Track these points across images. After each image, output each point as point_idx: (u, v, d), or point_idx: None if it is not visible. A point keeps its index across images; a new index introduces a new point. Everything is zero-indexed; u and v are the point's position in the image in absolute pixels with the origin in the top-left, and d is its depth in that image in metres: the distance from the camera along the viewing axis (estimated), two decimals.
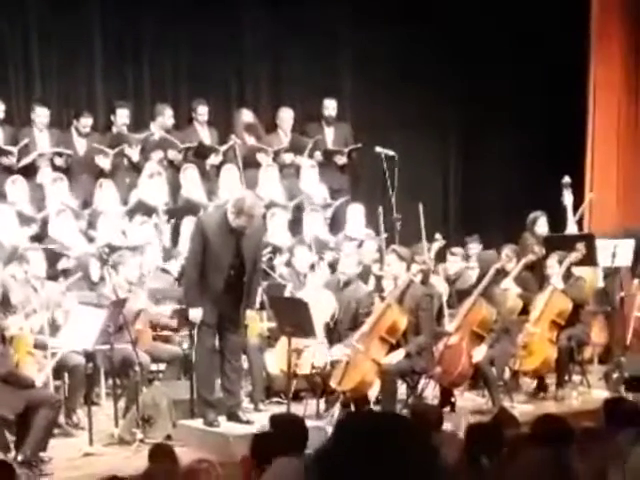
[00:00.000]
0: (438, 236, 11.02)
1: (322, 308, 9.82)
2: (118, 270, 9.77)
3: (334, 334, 9.89)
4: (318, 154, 13.01)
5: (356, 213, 12.34)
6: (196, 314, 8.28)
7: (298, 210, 12.25)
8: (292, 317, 8.77)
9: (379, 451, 2.04)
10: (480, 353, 9.52)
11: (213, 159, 12.41)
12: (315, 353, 9.47)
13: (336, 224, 12.44)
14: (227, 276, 8.25)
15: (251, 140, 12.78)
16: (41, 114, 11.75)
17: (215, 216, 8.59)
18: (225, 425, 8.24)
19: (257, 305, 9.17)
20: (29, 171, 11.57)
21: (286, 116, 13.12)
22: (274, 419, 6.07)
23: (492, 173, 14.33)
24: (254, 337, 9.69)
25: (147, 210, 11.54)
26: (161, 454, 5.99)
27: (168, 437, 8.33)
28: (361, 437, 2.08)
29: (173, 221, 11.66)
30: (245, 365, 9.44)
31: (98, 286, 10.07)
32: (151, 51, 12.90)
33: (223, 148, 12.44)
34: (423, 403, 8.79)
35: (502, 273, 10.41)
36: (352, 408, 9.08)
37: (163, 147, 12.26)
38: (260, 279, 9.11)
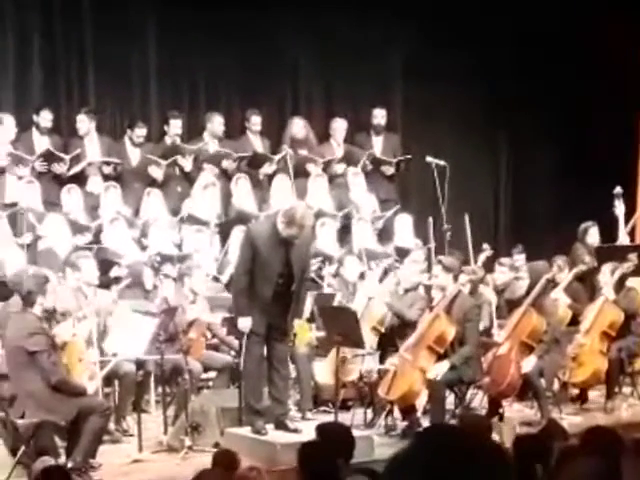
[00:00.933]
0: (486, 246, 10.98)
1: (371, 315, 9.81)
2: (184, 281, 9.86)
3: (387, 340, 9.84)
4: (367, 163, 13.02)
5: (405, 223, 12.33)
6: (245, 323, 8.29)
7: (347, 220, 12.27)
8: (341, 326, 8.78)
9: (457, 467, 2.01)
10: (529, 364, 9.46)
11: (267, 168, 12.44)
12: (363, 361, 9.46)
13: (384, 234, 12.43)
14: (275, 285, 8.24)
15: (303, 151, 12.81)
16: (81, 120, 11.84)
17: (265, 226, 8.61)
18: (273, 433, 8.24)
19: (306, 314, 9.17)
20: (80, 180, 11.69)
21: (339, 127, 13.14)
22: (321, 428, 6.06)
23: (543, 183, 14.26)
24: (303, 346, 9.70)
25: (198, 223, 11.60)
26: (224, 459, 5.99)
27: (216, 445, 8.35)
28: (439, 452, 2.05)
29: (222, 234, 11.72)
30: (293, 374, 9.46)
31: (150, 294, 10.15)
32: (205, 61, 12.99)
33: (277, 157, 12.47)
34: (472, 413, 8.74)
35: (552, 283, 10.33)
36: (399, 417, 9.08)
37: (217, 160, 12.31)
38: (306, 290, 9.05)
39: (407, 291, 10.08)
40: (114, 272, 10.54)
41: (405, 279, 10.12)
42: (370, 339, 9.59)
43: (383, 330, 9.86)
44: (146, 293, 10.25)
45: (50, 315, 8.37)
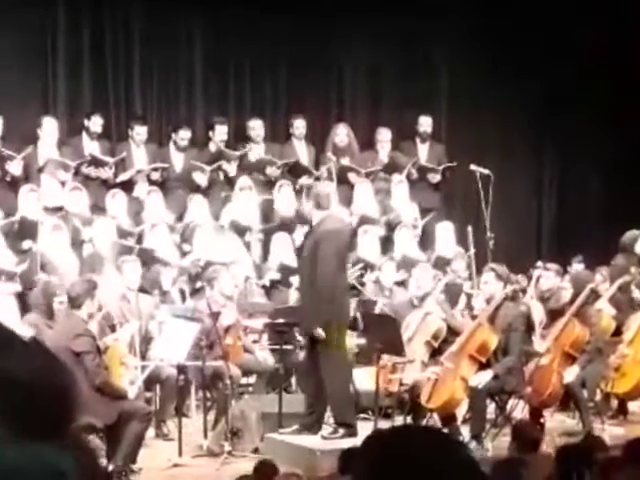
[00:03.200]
0: (540, 263, 10.92)
1: (427, 328, 9.67)
2: (213, 285, 9.87)
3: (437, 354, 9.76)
4: (413, 171, 12.99)
5: (446, 231, 12.28)
6: None
7: (390, 228, 12.24)
8: (382, 333, 8.74)
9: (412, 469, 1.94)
10: (572, 374, 9.39)
11: (305, 180, 12.41)
12: (405, 370, 9.41)
13: (426, 242, 12.38)
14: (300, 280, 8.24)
15: (345, 160, 12.79)
16: (140, 132, 11.94)
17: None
18: (312, 440, 8.23)
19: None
20: (126, 185, 11.76)
21: (383, 137, 13.12)
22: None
23: (588, 191, 14.15)
24: None
25: (240, 229, 11.61)
26: (264, 470, 5.99)
27: (255, 450, 8.36)
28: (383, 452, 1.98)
29: (264, 239, 11.74)
30: None
31: (167, 297, 10.19)
32: (251, 67, 13.07)
33: (317, 173, 12.39)
34: (525, 422, 8.64)
35: (595, 293, 10.24)
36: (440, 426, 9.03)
37: (260, 167, 12.34)
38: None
39: (422, 299, 9.98)
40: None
41: (420, 286, 10.05)
42: (422, 353, 9.48)
43: (437, 345, 9.72)
44: (163, 296, 10.27)
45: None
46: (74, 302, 7.91)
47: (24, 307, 9.74)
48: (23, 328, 8.55)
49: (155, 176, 11.89)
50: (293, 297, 10.67)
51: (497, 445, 8.55)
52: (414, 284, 10.33)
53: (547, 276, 10.72)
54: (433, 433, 2.13)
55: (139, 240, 11.19)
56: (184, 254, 11.21)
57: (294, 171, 12.48)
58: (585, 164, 14.18)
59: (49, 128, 11.46)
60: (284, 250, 11.40)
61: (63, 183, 11.33)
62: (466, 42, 13.42)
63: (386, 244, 12.03)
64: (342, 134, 12.86)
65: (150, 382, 9.06)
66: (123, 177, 11.76)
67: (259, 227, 11.76)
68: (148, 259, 10.56)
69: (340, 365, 8.53)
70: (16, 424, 1.16)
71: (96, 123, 11.78)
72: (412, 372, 9.38)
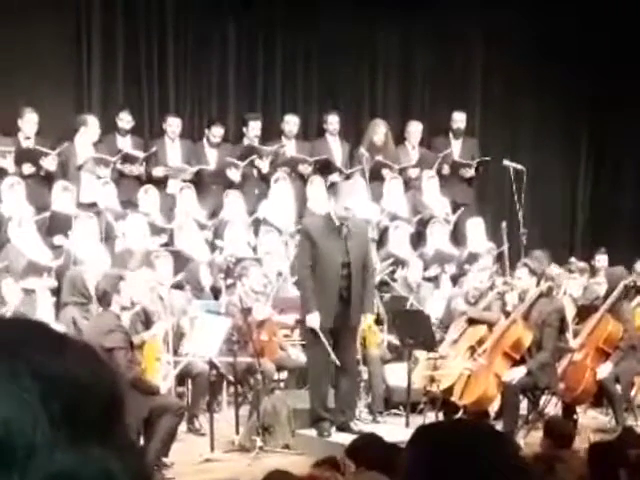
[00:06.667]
0: (573, 259, 10.85)
1: (472, 332, 9.55)
2: (242, 280, 9.88)
3: None
4: (446, 167, 12.93)
5: (477, 227, 12.22)
6: (314, 319, 8.19)
7: (421, 225, 12.19)
8: (413, 329, 8.72)
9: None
10: (605, 370, 9.34)
11: (335, 177, 12.39)
12: (444, 372, 9.33)
13: (458, 237, 12.33)
14: (340, 278, 8.13)
15: (379, 156, 12.75)
16: (173, 124, 11.97)
17: (319, 218, 8.60)
18: (343, 435, 8.20)
19: (374, 311, 9.05)
20: (159, 181, 11.78)
21: (414, 130, 13.07)
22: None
23: (623, 188, 14.05)
24: (374, 348, 9.65)
25: (273, 227, 11.59)
26: (326, 463, 5.96)
27: (286, 446, 8.36)
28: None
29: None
30: (365, 376, 9.41)
31: (204, 294, 10.19)
32: (283, 63, 13.08)
33: (349, 171, 12.37)
34: (558, 418, 8.59)
35: (634, 289, 10.15)
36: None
37: (293, 164, 12.33)
38: (374, 284, 8.86)
39: (477, 300, 9.88)
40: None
41: (475, 288, 9.94)
42: (464, 356, 9.29)
43: (480, 351, 9.61)
44: (200, 292, 10.26)
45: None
46: (103, 300, 7.91)
47: (58, 303, 9.78)
48: (58, 325, 8.59)
49: (188, 176, 11.88)
50: None
51: (530, 442, 8.50)
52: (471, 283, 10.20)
53: (573, 277, 10.66)
54: (482, 428, 2.11)
55: (172, 236, 11.20)
56: (220, 250, 11.19)
57: (325, 169, 12.46)
58: (620, 159, 14.08)
59: (92, 127, 11.49)
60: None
61: (100, 178, 11.37)
62: (500, 36, 13.36)
63: (417, 242, 11.99)
64: (381, 133, 12.75)
65: (182, 377, 9.08)
66: (156, 173, 11.78)
67: (292, 229, 11.66)
68: (176, 258, 10.56)
69: None
70: (68, 426, 1.16)
71: (124, 120, 11.80)
72: (450, 377, 9.21)
